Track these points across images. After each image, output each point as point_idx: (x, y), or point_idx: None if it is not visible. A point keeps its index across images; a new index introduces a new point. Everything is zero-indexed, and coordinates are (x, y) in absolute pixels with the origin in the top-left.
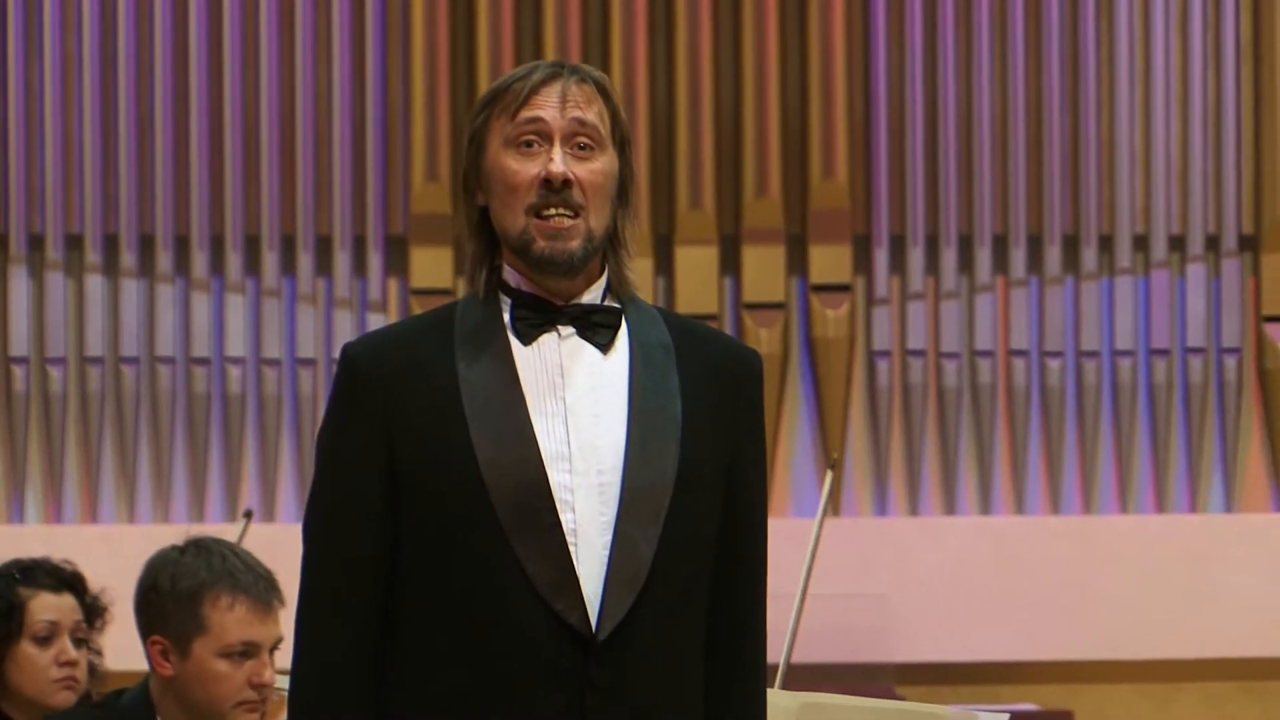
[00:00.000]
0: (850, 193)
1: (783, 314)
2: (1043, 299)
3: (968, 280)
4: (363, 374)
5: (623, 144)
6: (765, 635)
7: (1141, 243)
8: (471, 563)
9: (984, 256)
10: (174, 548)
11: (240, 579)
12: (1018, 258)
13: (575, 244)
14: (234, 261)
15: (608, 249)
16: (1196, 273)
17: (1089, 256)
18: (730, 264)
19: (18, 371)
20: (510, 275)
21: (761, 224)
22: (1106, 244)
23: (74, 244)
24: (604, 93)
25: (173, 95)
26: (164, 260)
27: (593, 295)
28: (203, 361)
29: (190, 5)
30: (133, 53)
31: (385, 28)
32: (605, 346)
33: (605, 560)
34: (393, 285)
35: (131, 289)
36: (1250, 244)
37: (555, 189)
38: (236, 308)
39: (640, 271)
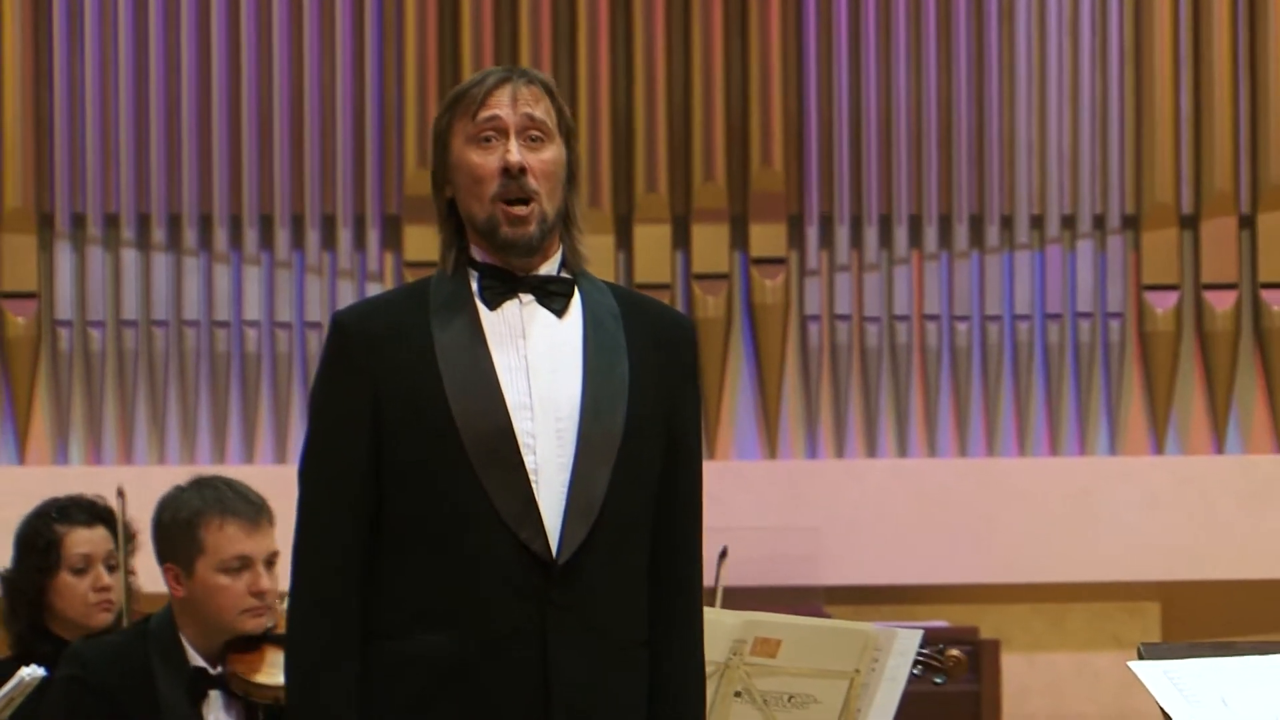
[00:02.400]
0: (785, 178)
1: (727, 283)
2: (952, 270)
3: (887, 254)
4: (351, 338)
5: (568, 135)
6: (701, 560)
7: (1038, 221)
8: (445, 498)
9: (901, 234)
10: (177, 486)
11: (229, 504)
12: (930, 235)
13: (533, 228)
14: (250, 237)
15: (561, 227)
16: (1085, 248)
17: (992, 233)
18: (681, 240)
19: (63, 333)
20: (476, 253)
21: (708, 205)
22: (1007, 223)
23: (111, 222)
24: (549, 92)
25: (197, 91)
26: (190, 236)
27: (549, 268)
28: (223, 324)
29: (213, 12)
30: (162, 54)
31: (382, 33)
32: (560, 312)
33: (564, 495)
34: (389, 259)
35: (161, 261)
36: (1132, 223)
37: (513, 176)
38: (253, 278)
39: (602, 247)
